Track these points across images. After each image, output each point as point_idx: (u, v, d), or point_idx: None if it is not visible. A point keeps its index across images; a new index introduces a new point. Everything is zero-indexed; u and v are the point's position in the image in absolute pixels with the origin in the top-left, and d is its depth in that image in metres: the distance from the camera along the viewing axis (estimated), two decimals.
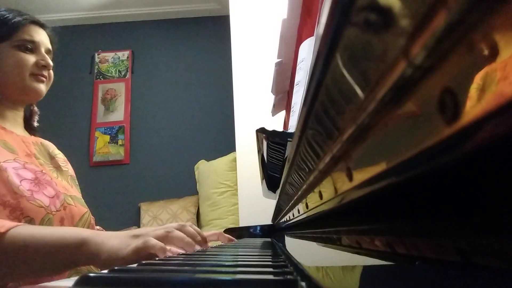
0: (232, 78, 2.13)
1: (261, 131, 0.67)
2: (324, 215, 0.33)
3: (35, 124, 0.96)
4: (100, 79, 3.43)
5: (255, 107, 1.96)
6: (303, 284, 0.26)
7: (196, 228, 0.74)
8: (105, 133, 3.27)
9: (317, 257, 0.42)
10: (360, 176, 0.19)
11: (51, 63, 0.89)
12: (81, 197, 0.93)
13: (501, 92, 0.08)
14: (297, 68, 0.77)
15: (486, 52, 0.08)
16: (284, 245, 0.81)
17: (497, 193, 0.11)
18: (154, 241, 0.61)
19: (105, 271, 0.31)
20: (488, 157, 0.10)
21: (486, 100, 0.08)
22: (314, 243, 0.45)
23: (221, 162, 2.77)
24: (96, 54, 3.47)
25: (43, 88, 0.88)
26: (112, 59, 3.47)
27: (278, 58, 1.19)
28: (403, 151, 0.13)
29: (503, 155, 0.10)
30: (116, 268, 0.31)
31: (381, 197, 0.19)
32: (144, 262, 0.40)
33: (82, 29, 3.48)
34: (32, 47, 0.86)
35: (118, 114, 3.32)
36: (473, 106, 0.09)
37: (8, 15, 0.85)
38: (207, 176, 2.84)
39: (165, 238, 0.66)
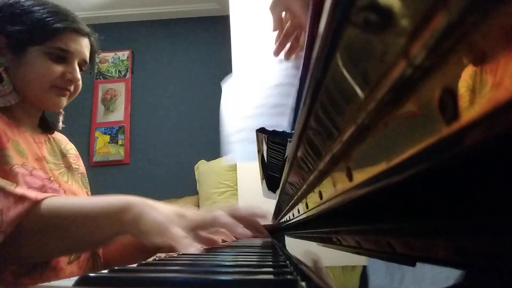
0: None
1: (261, 131, 0.67)
2: (324, 215, 0.33)
3: (61, 125, 0.90)
4: (100, 79, 3.43)
5: None
6: (303, 284, 0.26)
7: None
8: (105, 133, 3.27)
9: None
10: (360, 176, 0.19)
11: (78, 77, 0.82)
12: None
13: (500, 91, 0.08)
14: None
15: (486, 52, 0.08)
16: (284, 245, 0.81)
17: (497, 193, 0.11)
18: (187, 241, 0.55)
19: (105, 271, 0.31)
20: (488, 157, 0.10)
21: (486, 99, 0.08)
22: (314, 243, 0.45)
23: (221, 162, 2.77)
24: (96, 54, 3.47)
25: (63, 101, 0.82)
26: (112, 59, 3.47)
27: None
28: (403, 151, 0.13)
29: (503, 155, 0.10)
30: (116, 268, 0.31)
31: (381, 197, 0.19)
32: (144, 262, 0.40)
33: None
34: (64, 56, 0.79)
35: (118, 114, 3.32)
36: (473, 106, 0.09)
37: (50, 18, 0.77)
38: (207, 176, 2.84)
39: (212, 224, 0.64)
